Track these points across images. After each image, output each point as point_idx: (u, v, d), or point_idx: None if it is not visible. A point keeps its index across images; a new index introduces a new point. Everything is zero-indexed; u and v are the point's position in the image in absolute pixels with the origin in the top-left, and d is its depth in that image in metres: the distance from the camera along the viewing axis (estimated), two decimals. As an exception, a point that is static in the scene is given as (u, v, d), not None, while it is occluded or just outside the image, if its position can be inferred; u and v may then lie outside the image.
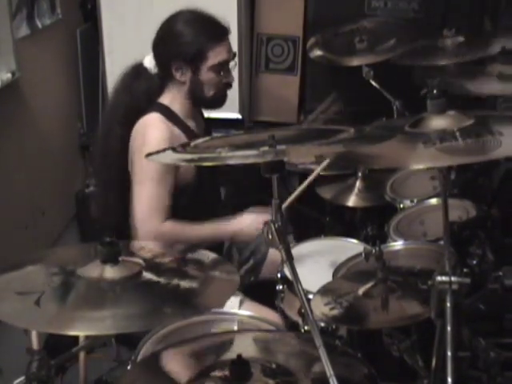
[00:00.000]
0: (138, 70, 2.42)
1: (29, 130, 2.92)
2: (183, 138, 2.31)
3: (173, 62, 2.33)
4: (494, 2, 3.35)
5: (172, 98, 2.39)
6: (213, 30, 2.35)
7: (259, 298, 2.30)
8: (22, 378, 1.61)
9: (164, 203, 2.29)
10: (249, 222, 2.32)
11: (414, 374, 1.81)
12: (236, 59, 2.45)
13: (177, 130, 2.34)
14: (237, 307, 2.18)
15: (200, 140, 1.81)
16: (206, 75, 2.34)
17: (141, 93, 2.38)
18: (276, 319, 2.14)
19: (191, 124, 2.42)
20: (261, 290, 2.31)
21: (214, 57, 2.33)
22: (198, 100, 2.40)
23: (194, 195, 2.38)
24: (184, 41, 2.32)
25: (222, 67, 2.36)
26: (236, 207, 2.48)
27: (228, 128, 3.21)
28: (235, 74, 2.48)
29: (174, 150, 1.67)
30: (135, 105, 2.36)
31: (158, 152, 1.72)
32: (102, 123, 2.49)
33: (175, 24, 2.35)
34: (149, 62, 2.41)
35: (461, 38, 2.70)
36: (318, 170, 2.44)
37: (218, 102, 2.43)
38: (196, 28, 2.33)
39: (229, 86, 2.43)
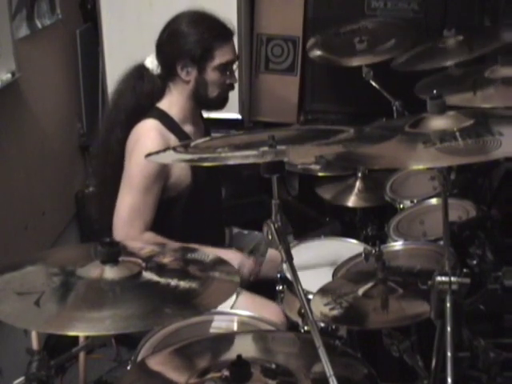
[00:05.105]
0: (140, 71, 2.41)
1: (29, 130, 2.92)
2: None
3: (178, 61, 2.32)
4: (494, 2, 3.35)
5: (171, 101, 2.38)
6: (219, 29, 2.36)
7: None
8: (21, 378, 1.61)
9: (146, 214, 2.28)
10: (234, 260, 2.20)
11: (414, 374, 1.81)
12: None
13: (172, 137, 2.33)
14: (233, 298, 2.18)
15: (200, 140, 1.81)
16: (211, 75, 2.34)
17: (144, 95, 2.37)
18: (274, 309, 2.15)
19: (189, 129, 2.42)
20: (260, 288, 2.31)
21: (221, 56, 2.33)
22: (201, 100, 2.40)
23: (191, 202, 2.37)
24: (191, 39, 2.31)
25: (227, 67, 2.37)
26: (236, 207, 2.48)
27: (228, 128, 3.20)
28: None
29: (174, 149, 1.68)
30: (138, 107, 2.36)
31: (158, 152, 1.71)
32: (102, 124, 2.49)
33: (181, 24, 2.35)
34: (150, 63, 2.40)
35: (461, 37, 2.69)
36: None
37: (221, 103, 2.43)
38: (203, 27, 2.33)
39: (232, 87, 2.43)
